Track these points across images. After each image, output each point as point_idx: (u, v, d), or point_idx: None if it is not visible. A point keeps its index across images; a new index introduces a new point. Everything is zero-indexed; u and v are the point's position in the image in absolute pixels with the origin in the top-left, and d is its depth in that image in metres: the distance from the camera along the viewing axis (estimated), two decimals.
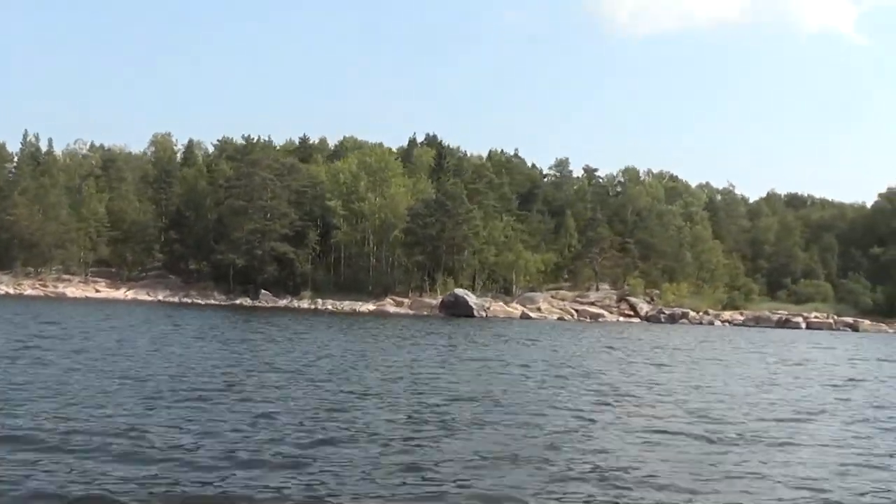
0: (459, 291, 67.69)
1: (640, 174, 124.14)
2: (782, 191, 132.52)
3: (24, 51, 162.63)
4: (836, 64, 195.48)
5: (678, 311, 77.77)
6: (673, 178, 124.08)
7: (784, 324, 75.72)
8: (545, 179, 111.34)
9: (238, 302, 74.98)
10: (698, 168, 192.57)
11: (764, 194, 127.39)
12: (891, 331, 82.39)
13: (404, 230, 77.45)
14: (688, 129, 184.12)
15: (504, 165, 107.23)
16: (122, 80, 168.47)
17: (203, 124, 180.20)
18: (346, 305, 73.39)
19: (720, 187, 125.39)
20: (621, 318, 76.74)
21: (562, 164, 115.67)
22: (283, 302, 75.53)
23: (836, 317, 79.71)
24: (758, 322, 77.59)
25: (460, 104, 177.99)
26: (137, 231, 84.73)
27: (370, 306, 72.98)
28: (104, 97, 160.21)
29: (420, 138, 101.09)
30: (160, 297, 76.55)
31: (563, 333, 47.38)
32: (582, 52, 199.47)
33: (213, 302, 75.29)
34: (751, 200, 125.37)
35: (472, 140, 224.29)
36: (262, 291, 76.61)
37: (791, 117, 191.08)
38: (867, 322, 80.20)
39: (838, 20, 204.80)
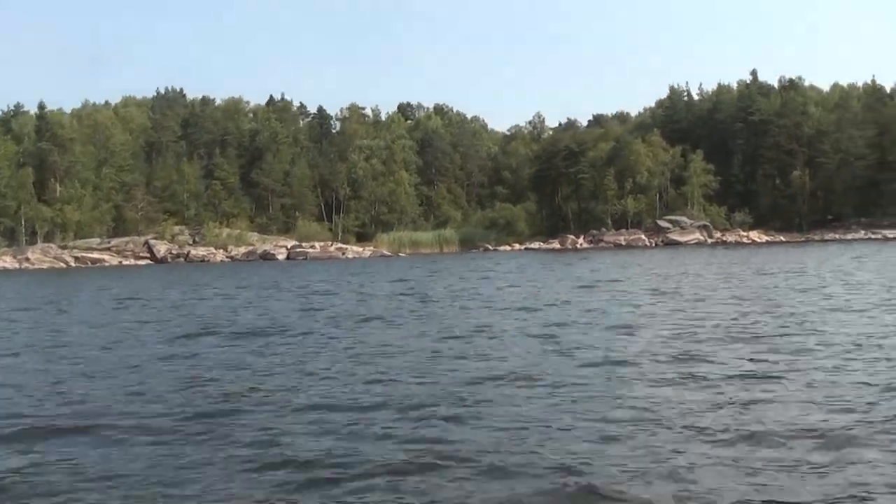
0: None
1: (414, 107, 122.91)
2: None
3: None
4: None
5: (183, 251, 78.10)
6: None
7: (265, 256, 74.39)
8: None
9: None
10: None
11: None
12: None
13: None
14: None
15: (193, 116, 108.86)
16: None
17: None
18: None
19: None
20: (133, 262, 77.98)
21: (285, 107, 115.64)
22: None
23: (342, 245, 76.83)
24: (265, 257, 76.01)
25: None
26: None
27: None
28: None
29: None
30: None
31: None
32: None
33: None
34: None
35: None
36: None
37: None
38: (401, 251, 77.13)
39: None
